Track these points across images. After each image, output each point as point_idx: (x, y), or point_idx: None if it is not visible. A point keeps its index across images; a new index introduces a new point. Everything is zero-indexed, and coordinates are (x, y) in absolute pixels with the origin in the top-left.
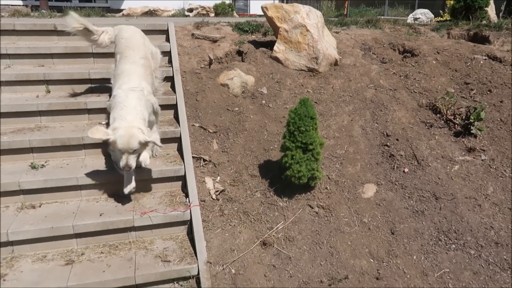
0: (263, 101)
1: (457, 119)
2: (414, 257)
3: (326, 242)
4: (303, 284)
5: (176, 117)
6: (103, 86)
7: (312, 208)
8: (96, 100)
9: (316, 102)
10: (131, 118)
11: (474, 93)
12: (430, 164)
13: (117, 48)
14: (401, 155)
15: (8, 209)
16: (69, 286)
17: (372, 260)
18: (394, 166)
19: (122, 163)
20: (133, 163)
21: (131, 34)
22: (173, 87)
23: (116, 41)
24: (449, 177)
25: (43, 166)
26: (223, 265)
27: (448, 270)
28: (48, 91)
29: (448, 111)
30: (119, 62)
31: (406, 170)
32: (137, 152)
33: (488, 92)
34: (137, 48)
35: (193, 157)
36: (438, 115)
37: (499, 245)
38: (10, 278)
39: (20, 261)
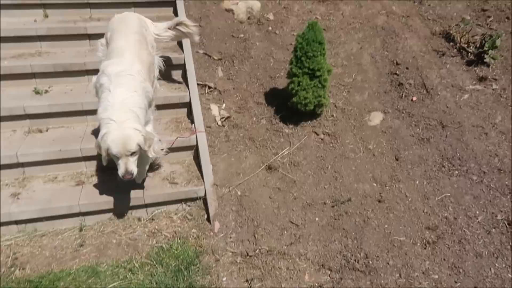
0: (270, 28)
1: (471, 47)
2: (417, 182)
3: (330, 167)
4: (306, 206)
5: (180, 43)
6: (102, 10)
7: (318, 135)
8: (97, 25)
9: (324, 29)
10: (121, 117)
11: (490, 21)
12: (439, 93)
13: (109, 26)
14: (410, 84)
15: (16, 133)
16: (81, 204)
17: (375, 184)
18: (402, 94)
19: (121, 171)
20: (134, 168)
21: (126, 13)
22: (175, 12)
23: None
24: (457, 106)
25: (46, 91)
26: (229, 188)
27: (449, 194)
28: (46, 16)
29: (462, 39)
30: (110, 37)
31: (414, 98)
32: (136, 154)
33: (506, 20)
34: (130, 23)
35: (198, 84)
36: (451, 43)
37: (501, 171)
38: (24, 197)
39: (32, 182)
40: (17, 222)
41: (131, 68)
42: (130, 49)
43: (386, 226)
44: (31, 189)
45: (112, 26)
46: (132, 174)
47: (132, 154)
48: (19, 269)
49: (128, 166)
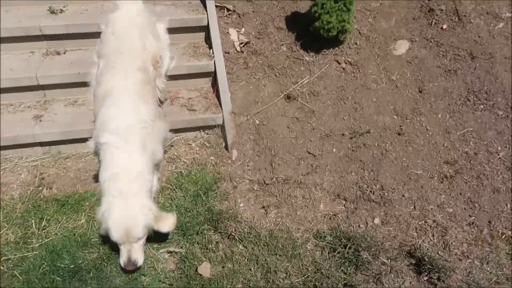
0: None
1: None
2: (439, 115)
3: (351, 98)
4: (324, 136)
5: None
6: None
7: (340, 63)
8: None
9: None
10: (129, 191)
11: None
12: (472, 21)
13: (102, 47)
14: (441, 10)
15: (34, 55)
16: None
17: (395, 117)
18: (431, 22)
19: (123, 260)
20: (140, 257)
21: (125, 26)
22: None
23: (102, 35)
24: (490, 36)
25: (61, 11)
26: (247, 116)
27: (471, 129)
28: None
29: None
30: (104, 69)
31: (444, 26)
32: (143, 238)
33: None
34: (133, 52)
35: (216, 6)
36: None
37: None
38: (46, 119)
39: (53, 105)
40: (41, 144)
41: (138, 121)
42: (133, 95)
43: (404, 159)
44: (52, 112)
45: (108, 52)
46: (136, 264)
47: (139, 240)
48: (46, 189)
49: (132, 254)
